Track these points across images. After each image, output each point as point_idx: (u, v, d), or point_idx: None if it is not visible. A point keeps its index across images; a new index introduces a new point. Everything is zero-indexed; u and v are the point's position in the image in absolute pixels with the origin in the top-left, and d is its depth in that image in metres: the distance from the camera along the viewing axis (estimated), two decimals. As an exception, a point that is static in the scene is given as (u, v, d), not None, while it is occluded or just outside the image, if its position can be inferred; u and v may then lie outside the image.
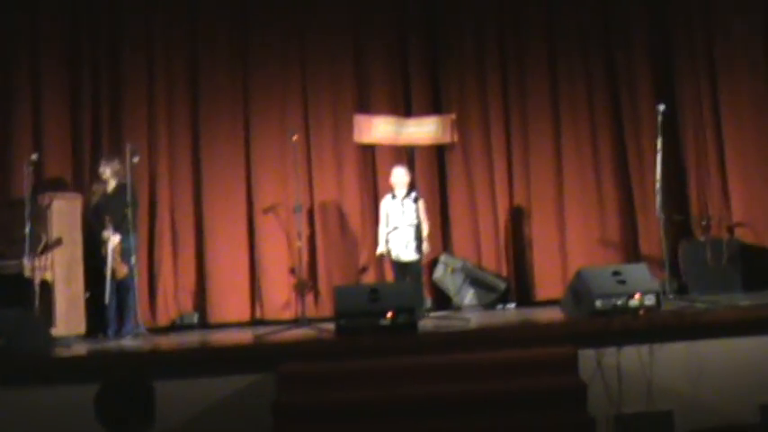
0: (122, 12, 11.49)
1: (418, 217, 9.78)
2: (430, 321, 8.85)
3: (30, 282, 9.62)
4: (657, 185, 9.13)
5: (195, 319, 11.08)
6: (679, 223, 10.92)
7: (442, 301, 11.11)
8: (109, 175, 10.23)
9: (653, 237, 10.90)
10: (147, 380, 4.17)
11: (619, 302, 7.84)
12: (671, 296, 9.26)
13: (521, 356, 7.48)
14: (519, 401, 7.10)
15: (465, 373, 7.37)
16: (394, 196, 10.40)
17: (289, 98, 11.50)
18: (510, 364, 7.40)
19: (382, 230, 10.42)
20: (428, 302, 10.78)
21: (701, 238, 10.95)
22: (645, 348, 7.55)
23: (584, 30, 11.69)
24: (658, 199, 9.13)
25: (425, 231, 10.11)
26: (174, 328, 10.92)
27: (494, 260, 11.37)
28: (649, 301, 7.89)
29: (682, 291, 10.41)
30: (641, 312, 7.82)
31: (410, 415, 7.04)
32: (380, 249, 10.44)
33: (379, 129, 10.94)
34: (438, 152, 11.49)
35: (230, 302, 11.10)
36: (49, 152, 10.98)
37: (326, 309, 10.85)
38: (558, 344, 7.57)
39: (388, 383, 7.30)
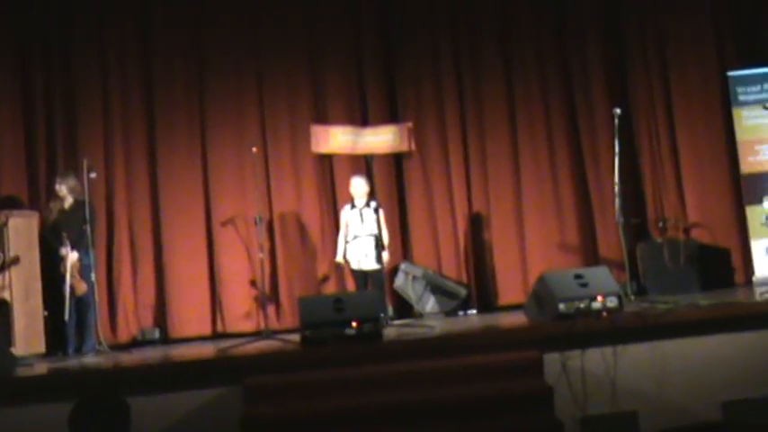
0: (75, 26, 11.40)
1: (378, 226, 9.79)
2: (393, 330, 8.85)
3: (-13, 301, 9.51)
4: (616, 188, 9.23)
5: (157, 334, 11.01)
6: (636, 225, 11.01)
7: (404, 308, 11.11)
8: (65, 191, 10.14)
9: (611, 239, 11.00)
10: (121, 396, 4.14)
11: (582, 305, 7.87)
12: (632, 297, 9.36)
13: (487, 362, 7.51)
14: (486, 407, 7.12)
15: (432, 379, 7.38)
16: (353, 206, 10.43)
17: (245, 110, 11.47)
18: (476, 370, 7.44)
19: (341, 239, 10.45)
20: (390, 311, 10.78)
21: (659, 240, 11.07)
22: (609, 350, 7.60)
23: (539, 35, 11.78)
24: (617, 202, 9.23)
25: (386, 240, 10.13)
26: (135, 344, 10.81)
27: (454, 267, 11.39)
28: (611, 302, 7.94)
29: (641, 292, 10.53)
30: (604, 314, 7.87)
31: (378, 423, 7.02)
32: (339, 258, 10.48)
33: (336, 139, 11.05)
34: (396, 160, 11.51)
35: (191, 316, 11.04)
36: (4, 169, 10.87)
37: (288, 320, 10.87)
38: (523, 348, 7.60)
39: (355, 393, 7.29)
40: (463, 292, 11.15)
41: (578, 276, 8.15)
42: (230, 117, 11.43)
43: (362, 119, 11.50)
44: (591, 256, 11.32)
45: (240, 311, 11.07)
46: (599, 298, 7.92)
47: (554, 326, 7.84)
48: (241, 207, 11.17)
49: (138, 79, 11.44)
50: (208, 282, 11.19)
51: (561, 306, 7.87)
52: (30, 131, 11.23)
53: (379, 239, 9.77)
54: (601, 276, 8.23)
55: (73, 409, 4.06)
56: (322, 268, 11.29)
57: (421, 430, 7.02)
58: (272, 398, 7.29)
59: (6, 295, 9.82)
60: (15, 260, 9.93)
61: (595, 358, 7.57)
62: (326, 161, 11.41)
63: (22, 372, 8.32)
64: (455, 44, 11.79)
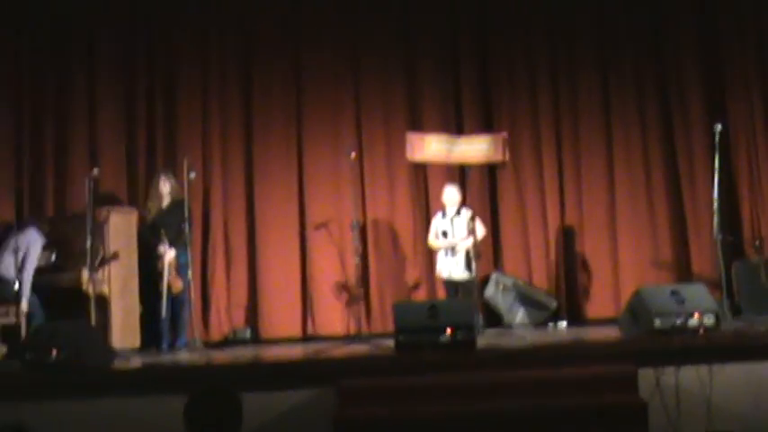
0: (178, 30, 11.65)
1: (469, 235, 9.80)
2: (485, 339, 8.87)
3: (87, 295, 9.70)
4: (715, 205, 9.14)
5: (248, 334, 11.13)
6: (731, 244, 10.85)
7: (493, 319, 11.09)
8: (168, 190, 10.33)
9: (705, 257, 10.90)
10: (233, 392, 4.25)
11: (678, 322, 7.79)
12: (729, 316, 9.23)
13: (580, 374, 7.47)
14: (579, 419, 7.08)
15: (524, 389, 7.36)
16: (444, 214, 10.45)
17: (342, 115, 11.58)
18: (569, 382, 7.39)
19: (432, 242, 10.51)
20: (480, 320, 10.78)
21: (755, 259, 10.90)
22: (704, 368, 7.50)
23: (636, 49, 11.67)
24: (716, 219, 9.13)
25: (481, 233, 10.21)
26: (226, 342, 10.99)
27: (545, 278, 11.34)
28: (709, 320, 7.84)
29: (735, 311, 10.37)
30: (701, 332, 7.79)
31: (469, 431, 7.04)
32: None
33: (431, 147, 11.05)
34: (489, 171, 11.50)
35: (282, 317, 11.19)
36: (105, 167, 11.04)
37: (378, 325, 10.93)
38: (617, 362, 7.56)
39: (447, 399, 7.32)
40: (553, 303, 11.10)
41: (675, 292, 8.04)
42: (326, 121, 11.55)
43: (457, 128, 11.50)
44: (684, 273, 11.16)
45: (330, 315, 11.19)
46: (696, 315, 7.83)
47: (649, 341, 7.78)
48: (335, 211, 11.28)
49: (237, 81, 11.65)
50: (299, 284, 11.31)
51: (657, 321, 7.79)
52: (130, 131, 11.51)
53: (469, 249, 9.80)
54: (698, 293, 8.12)
55: (188, 403, 4.17)
56: (413, 275, 11.35)
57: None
58: (366, 401, 7.34)
59: (105, 290, 10.03)
60: (114, 256, 10.15)
61: (690, 376, 7.44)
62: (421, 169, 11.45)
63: (118, 365, 8.51)
64: (552, 56, 11.75)
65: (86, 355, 7.98)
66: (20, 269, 9.58)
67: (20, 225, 10.12)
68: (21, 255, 9.64)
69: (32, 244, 9.76)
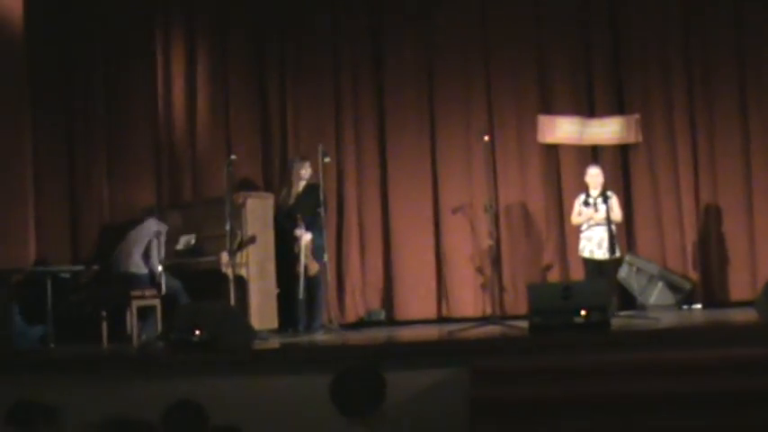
0: (309, 14, 11.88)
1: (610, 216, 9.80)
2: (619, 320, 8.85)
3: (226, 277, 9.99)
4: None
5: (383, 315, 11.33)
6: None
7: (626, 300, 11.02)
8: (305, 174, 10.55)
9: None
10: (378, 370, 4.41)
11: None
12: None
13: (717, 357, 7.39)
14: (724, 401, 7.00)
15: (664, 371, 7.33)
16: (588, 195, 10.42)
17: (473, 98, 11.60)
18: (707, 365, 7.34)
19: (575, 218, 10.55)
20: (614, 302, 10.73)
21: None
22: None
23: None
24: None
25: (618, 215, 10.25)
26: (362, 324, 11.19)
27: (679, 260, 11.18)
28: None
29: None
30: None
31: (609, 413, 6.99)
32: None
33: (562, 129, 11.07)
34: (622, 152, 11.40)
35: (416, 299, 11.33)
36: (241, 153, 11.26)
37: (512, 307, 10.96)
38: (756, 346, 7.47)
39: (582, 381, 7.36)
40: (688, 285, 10.97)
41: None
42: (458, 105, 11.60)
43: (589, 110, 11.42)
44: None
45: (464, 296, 11.28)
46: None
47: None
48: (468, 194, 11.35)
49: (369, 66, 11.81)
50: (434, 266, 11.43)
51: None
52: (265, 118, 11.81)
53: (612, 229, 9.79)
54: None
55: (334, 379, 4.34)
56: (546, 257, 11.35)
57: (657, 422, 6.94)
58: (502, 381, 7.44)
59: (243, 273, 10.31)
60: (252, 239, 10.41)
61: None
62: (553, 151, 11.43)
63: (258, 345, 8.78)
64: (684, 35, 11.53)
65: (228, 335, 8.26)
66: (146, 259, 10.05)
67: (142, 217, 10.60)
68: (143, 246, 10.10)
69: (153, 234, 10.20)
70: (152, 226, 10.38)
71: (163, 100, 11.88)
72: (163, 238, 10.31)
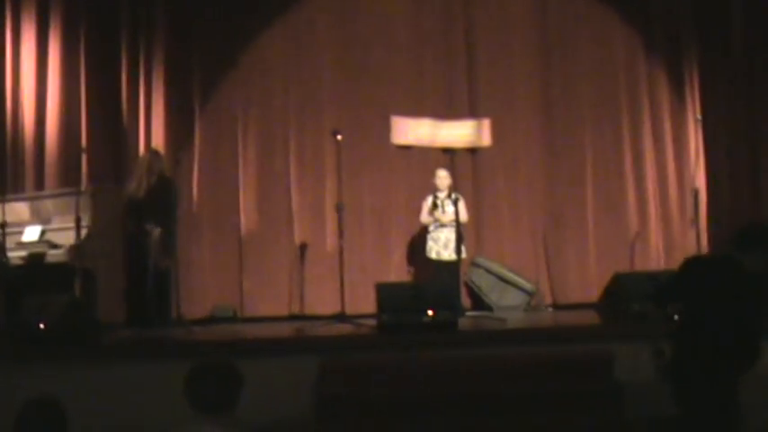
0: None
1: (457, 217, 9.97)
2: (467, 321, 9.00)
3: (73, 270, 9.80)
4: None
5: (231, 312, 11.25)
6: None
7: (474, 301, 11.22)
8: (156, 168, 10.40)
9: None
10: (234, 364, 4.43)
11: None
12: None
13: (558, 356, 7.59)
14: (556, 401, 7.18)
15: (503, 371, 7.45)
16: (436, 197, 10.57)
17: (325, 98, 11.76)
18: (548, 364, 7.53)
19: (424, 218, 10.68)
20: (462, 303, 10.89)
21: None
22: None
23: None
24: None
25: (464, 217, 10.42)
26: (211, 320, 11.07)
27: (526, 263, 11.45)
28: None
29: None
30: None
31: (452, 411, 7.09)
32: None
33: (415, 131, 11.43)
34: (472, 155, 11.58)
35: (268, 297, 11.39)
36: (91, 145, 11.23)
37: (361, 305, 10.96)
38: (594, 345, 7.69)
39: (429, 379, 7.41)
40: (532, 287, 11.19)
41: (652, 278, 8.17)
42: (312, 103, 11.77)
43: (443, 112, 11.56)
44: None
45: (316, 295, 11.27)
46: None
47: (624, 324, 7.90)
48: (320, 193, 11.55)
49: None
50: (286, 264, 11.51)
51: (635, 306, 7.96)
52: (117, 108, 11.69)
53: (459, 231, 9.96)
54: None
55: (190, 372, 4.32)
56: (396, 257, 11.51)
57: (497, 421, 7.05)
58: (349, 379, 7.46)
59: (90, 266, 10.06)
60: (100, 233, 10.23)
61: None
62: (405, 152, 11.53)
63: (106, 338, 8.64)
64: (540, 39, 11.77)
65: (74, 329, 8.12)
66: None
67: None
68: None
69: None
70: None
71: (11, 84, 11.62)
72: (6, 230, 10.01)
